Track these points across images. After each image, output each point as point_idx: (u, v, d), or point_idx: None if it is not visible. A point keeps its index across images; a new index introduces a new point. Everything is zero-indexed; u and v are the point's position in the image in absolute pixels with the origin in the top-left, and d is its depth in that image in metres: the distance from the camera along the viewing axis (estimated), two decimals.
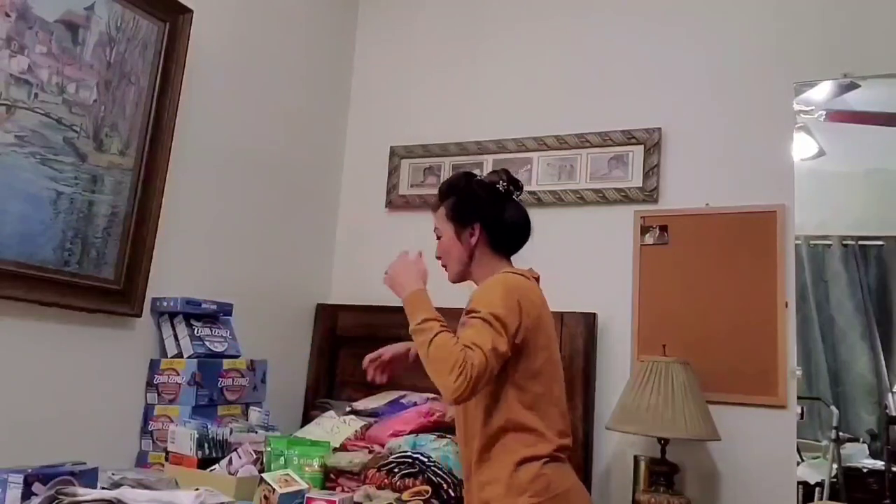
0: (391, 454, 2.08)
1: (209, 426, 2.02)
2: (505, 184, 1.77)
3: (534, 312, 1.61)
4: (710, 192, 2.49)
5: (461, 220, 1.75)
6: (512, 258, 1.79)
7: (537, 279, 1.77)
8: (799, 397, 2.33)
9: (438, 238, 1.79)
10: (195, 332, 2.24)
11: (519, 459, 1.55)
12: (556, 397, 1.65)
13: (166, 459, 2.01)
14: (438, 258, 1.79)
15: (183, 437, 1.99)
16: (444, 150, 2.94)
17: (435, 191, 2.91)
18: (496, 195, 1.76)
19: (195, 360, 2.17)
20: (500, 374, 1.54)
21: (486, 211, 1.74)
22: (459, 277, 1.78)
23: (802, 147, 2.62)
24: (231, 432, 2.06)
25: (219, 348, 2.28)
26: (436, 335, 1.49)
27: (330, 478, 2.06)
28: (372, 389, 2.43)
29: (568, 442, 1.65)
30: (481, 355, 1.45)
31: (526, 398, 1.58)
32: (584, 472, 2.38)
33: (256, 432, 2.16)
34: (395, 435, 2.21)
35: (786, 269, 2.34)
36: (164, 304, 2.22)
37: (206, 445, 1.98)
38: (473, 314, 1.54)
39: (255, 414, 2.26)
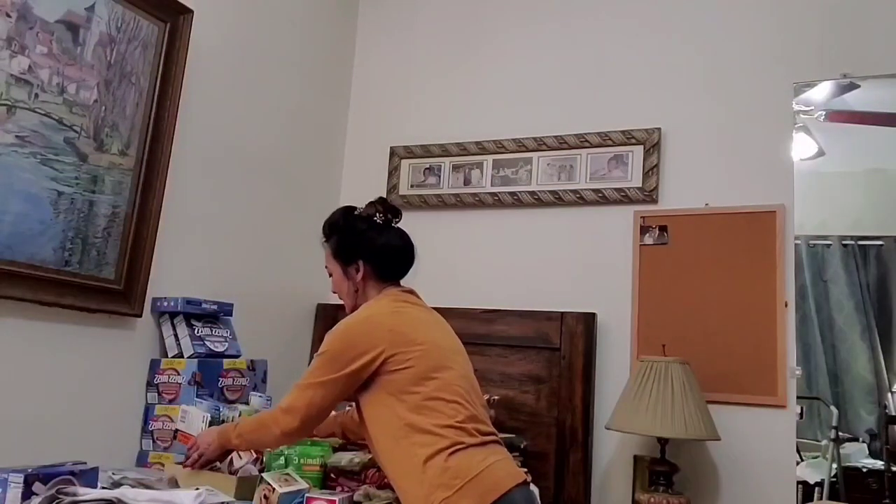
0: None
1: (221, 408, 2.05)
2: (382, 215, 1.83)
3: (382, 334, 1.66)
4: (710, 192, 2.49)
5: (345, 258, 1.83)
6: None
7: (410, 292, 1.83)
8: (799, 397, 2.33)
9: (330, 275, 1.88)
10: (195, 332, 2.24)
11: (422, 460, 1.57)
12: (451, 384, 1.64)
13: (174, 438, 2.06)
14: (335, 293, 1.89)
15: (194, 416, 2.02)
16: (444, 150, 2.95)
17: (435, 191, 2.97)
18: (375, 227, 1.83)
19: (195, 359, 2.17)
20: (373, 393, 1.65)
21: (367, 246, 1.81)
22: (353, 310, 1.82)
23: (802, 147, 2.62)
24: (240, 414, 2.07)
25: (219, 348, 2.29)
26: (240, 429, 1.75)
27: (330, 477, 2.06)
28: None
29: (476, 425, 1.64)
30: (289, 399, 1.67)
31: (409, 403, 1.61)
32: (584, 472, 2.39)
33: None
34: None
35: (785, 269, 2.34)
36: (165, 304, 2.22)
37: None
38: (316, 353, 1.71)
39: (256, 399, 2.25)
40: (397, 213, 1.86)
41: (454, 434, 1.59)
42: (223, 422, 2.00)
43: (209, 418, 1.99)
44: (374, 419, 1.66)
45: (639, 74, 2.69)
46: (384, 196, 1.88)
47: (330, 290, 1.89)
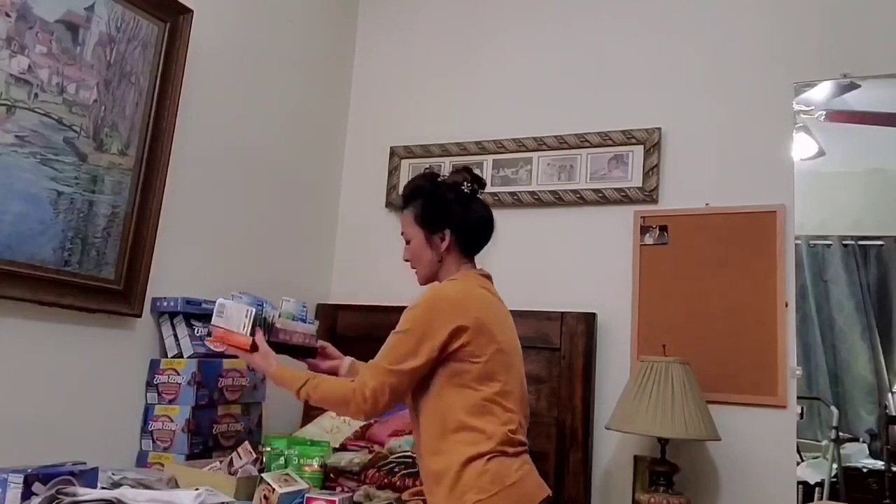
0: (391, 454, 2.08)
1: (264, 304, 1.84)
2: (469, 184, 1.75)
3: (471, 315, 1.61)
4: (710, 192, 2.49)
5: (431, 225, 1.75)
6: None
7: (488, 277, 1.78)
8: (799, 397, 2.33)
9: (407, 242, 1.79)
10: (195, 331, 2.24)
11: (465, 459, 1.55)
12: (509, 392, 1.63)
13: (209, 335, 2.03)
14: (407, 261, 1.80)
15: (237, 312, 1.79)
16: (444, 150, 2.94)
17: None
18: (462, 197, 1.75)
19: (195, 359, 2.17)
20: (436, 379, 1.61)
21: (455, 215, 1.74)
22: (428, 281, 1.78)
23: (802, 147, 2.63)
24: (279, 315, 1.87)
25: (219, 348, 2.28)
26: (315, 387, 1.66)
27: (330, 477, 2.06)
28: None
29: (520, 436, 1.64)
30: (373, 382, 1.58)
31: (469, 400, 1.59)
32: (584, 472, 2.39)
33: (298, 319, 1.95)
34: (395, 434, 2.21)
35: (786, 269, 2.34)
36: (164, 304, 2.22)
37: (255, 326, 1.79)
38: (394, 330, 1.64)
39: (290, 304, 1.96)
40: (482, 184, 1.79)
41: (501, 441, 1.59)
42: (265, 319, 1.81)
43: (253, 313, 1.77)
44: (429, 406, 1.62)
45: (639, 74, 2.69)
46: (468, 167, 1.79)
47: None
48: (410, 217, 1.77)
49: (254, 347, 1.75)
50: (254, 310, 1.76)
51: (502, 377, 1.62)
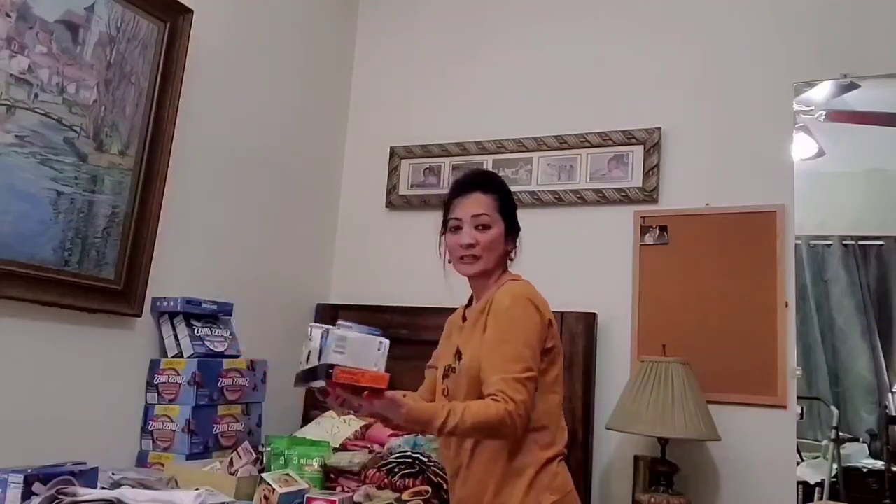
0: (391, 454, 2.08)
1: (377, 332, 1.47)
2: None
3: (551, 321, 1.61)
4: (710, 192, 2.49)
5: (512, 222, 1.70)
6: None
7: None
8: (799, 397, 2.33)
9: (484, 227, 1.63)
10: (195, 331, 2.24)
11: (543, 460, 1.55)
12: (564, 397, 1.67)
13: (322, 381, 1.36)
14: (472, 245, 1.62)
15: (363, 345, 1.41)
16: (444, 150, 2.94)
17: (435, 191, 2.96)
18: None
19: (195, 360, 2.17)
20: None
21: (517, 225, 1.74)
22: (479, 275, 1.67)
23: (802, 147, 2.62)
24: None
25: (219, 348, 2.28)
26: (462, 416, 1.41)
27: (330, 478, 2.06)
28: None
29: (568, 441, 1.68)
30: (520, 395, 1.45)
31: (547, 402, 1.58)
32: (584, 472, 2.39)
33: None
34: (395, 435, 2.21)
35: (786, 269, 2.34)
36: (164, 304, 2.22)
37: None
38: (499, 336, 1.52)
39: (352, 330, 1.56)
40: None
41: (564, 445, 1.62)
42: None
43: (387, 345, 1.42)
44: None
45: (639, 74, 2.69)
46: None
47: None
48: (496, 204, 1.67)
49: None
50: (387, 341, 1.43)
51: (562, 385, 1.64)
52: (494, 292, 1.62)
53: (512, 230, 1.69)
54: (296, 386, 1.48)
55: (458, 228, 1.65)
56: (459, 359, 1.62)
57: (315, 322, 1.49)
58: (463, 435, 1.50)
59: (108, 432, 2.07)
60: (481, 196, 1.66)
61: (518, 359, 1.49)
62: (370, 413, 1.41)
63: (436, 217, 3.12)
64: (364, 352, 1.37)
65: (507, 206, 1.69)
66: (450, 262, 1.71)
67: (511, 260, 1.72)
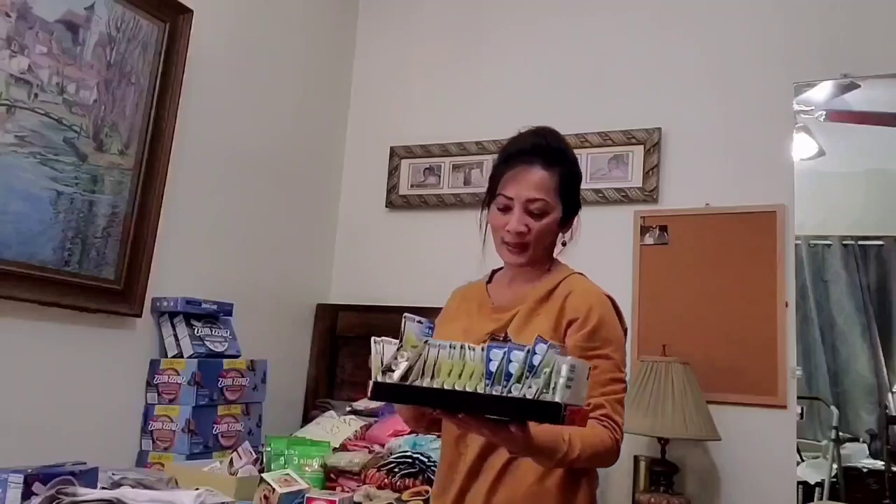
0: (391, 454, 2.08)
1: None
2: None
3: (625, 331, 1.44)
4: (710, 192, 2.49)
5: (571, 205, 1.42)
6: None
7: None
8: (799, 397, 2.33)
9: (540, 213, 1.37)
10: (195, 331, 2.24)
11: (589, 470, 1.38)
12: None
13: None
14: (522, 232, 1.37)
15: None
16: (444, 150, 2.94)
17: (435, 191, 2.97)
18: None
19: (195, 360, 2.17)
20: None
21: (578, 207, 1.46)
22: (522, 265, 1.43)
23: (802, 147, 2.62)
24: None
25: (219, 348, 2.29)
26: (581, 448, 1.21)
27: (330, 478, 2.06)
28: None
29: None
30: (619, 413, 1.30)
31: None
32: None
33: None
34: (395, 435, 2.21)
35: (786, 269, 2.34)
36: (164, 304, 2.22)
37: None
38: (603, 351, 1.29)
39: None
40: None
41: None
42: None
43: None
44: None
45: (639, 74, 2.68)
46: None
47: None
48: (558, 184, 1.39)
49: None
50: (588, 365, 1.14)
51: None
52: (562, 282, 1.41)
53: (570, 211, 1.43)
54: (397, 402, 1.29)
55: (507, 209, 1.38)
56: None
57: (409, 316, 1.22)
58: (572, 465, 1.26)
59: (108, 432, 2.07)
60: (543, 174, 1.37)
61: (618, 378, 1.32)
62: (518, 440, 1.10)
63: (436, 217, 3.12)
64: (581, 379, 1.04)
65: (570, 184, 1.42)
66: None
67: (564, 245, 1.48)
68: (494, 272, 1.56)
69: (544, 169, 1.38)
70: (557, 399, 0.98)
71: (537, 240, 1.39)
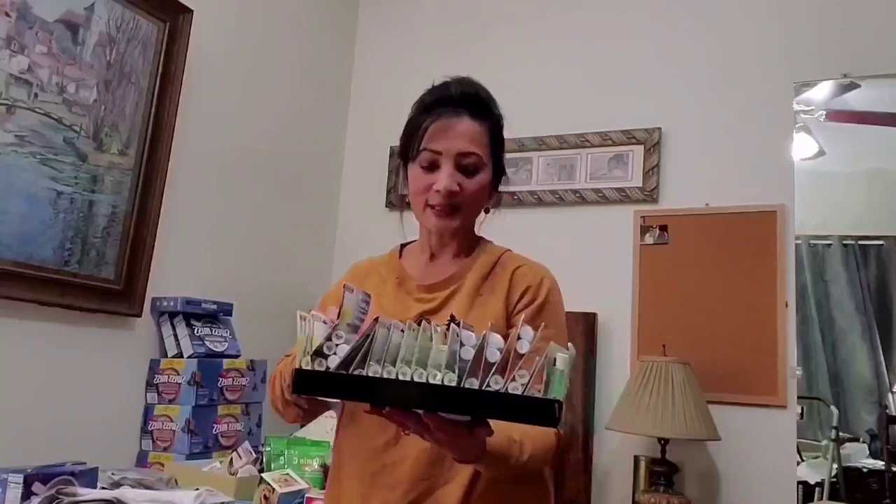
0: None
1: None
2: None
3: None
4: (710, 192, 2.49)
5: (499, 163, 1.28)
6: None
7: None
8: (799, 397, 2.33)
9: (472, 169, 1.22)
10: (195, 331, 2.24)
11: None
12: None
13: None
14: (454, 192, 1.21)
15: None
16: None
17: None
18: None
19: (195, 359, 2.17)
20: None
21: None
22: (452, 232, 1.27)
23: (803, 147, 2.62)
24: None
25: (219, 348, 2.29)
26: (529, 450, 1.06)
27: None
28: None
29: None
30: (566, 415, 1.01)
31: None
32: (585, 472, 2.39)
33: None
34: None
35: (786, 269, 2.34)
36: (164, 304, 2.22)
37: None
38: (550, 331, 1.05)
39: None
40: None
41: None
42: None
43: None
44: None
45: (639, 74, 2.68)
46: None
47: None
48: (488, 138, 1.25)
49: None
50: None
51: None
52: (502, 257, 1.28)
53: (500, 171, 1.30)
54: (323, 397, 1.09)
55: (434, 165, 1.23)
56: None
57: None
58: (518, 471, 1.08)
59: (108, 432, 2.07)
60: (473, 125, 1.23)
61: None
62: (441, 442, 0.94)
63: None
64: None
65: (499, 141, 1.28)
66: (408, 203, 1.31)
67: (486, 213, 1.32)
68: (403, 246, 1.39)
69: (473, 120, 1.23)
70: (555, 395, 0.84)
71: (470, 200, 1.23)
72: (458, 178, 1.21)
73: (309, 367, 0.91)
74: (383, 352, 0.87)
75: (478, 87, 1.29)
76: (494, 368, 0.85)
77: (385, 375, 0.87)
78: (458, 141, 1.21)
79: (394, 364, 0.87)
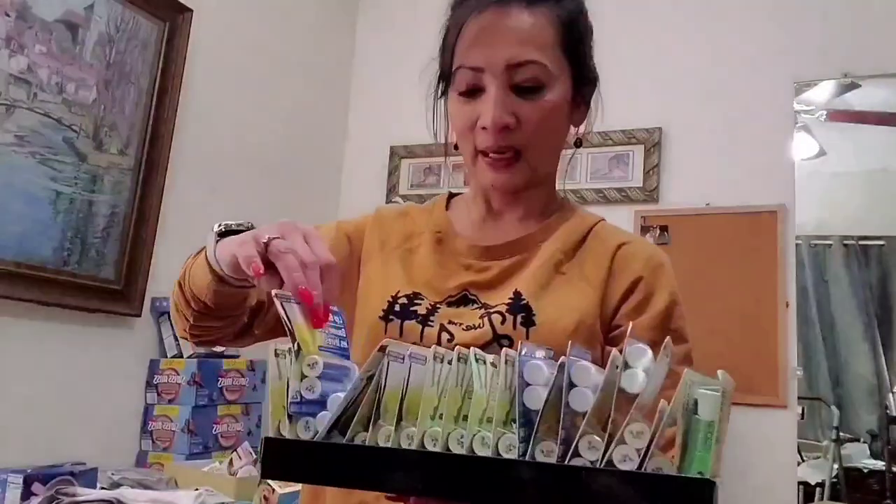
0: None
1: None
2: None
3: None
4: (711, 192, 2.48)
5: (583, 68, 0.94)
6: None
7: None
8: (799, 397, 2.33)
9: (534, 87, 0.84)
10: None
11: None
12: None
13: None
14: (505, 129, 0.83)
15: None
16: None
17: (435, 191, 2.96)
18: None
19: (195, 359, 2.17)
20: None
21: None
22: (516, 190, 0.90)
23: (803, 147, 2.62)
24: None
25: (218, 348, 2.28)
26: None
27: None
28: None
29: None
30: None
31: None
32: None
33: None
34: None
35: (786, 269, 2.34)
36: (164, 304, 2.22)
37: None
38: (679, 337, 0.79)
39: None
40: None
41: None
42: None
43: None
44: None
45: (639, 74, 2.68)
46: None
47: None
48: (548, 29, 0.85)
49: None
50: None
51: None
52: (596, 227, 0.93)
53: (585, 85, 0.95)
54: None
55: (476, 90, 0.85)
56: (517, 313, 0.81)
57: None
58: None
59: (107, 432, 2.07)
60: (526, 17, 0.83)
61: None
62: None
63: None
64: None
65: (578, 33, 0.92)
66: (456, 150, 0.93)
67: (578, 146, 0.99)
68: (451, 196, 1.00)
69: (528, 9, 0.83)
70: (699, 469, 0.50)
71: (537, 135, 0.84)
72: (513, 103, 0.82)
73: (285, 435, 0.56)
74: (399, 403, 0.55)
75: None
76: (585, 421, 0.50)
77: (405, 445, 0.54)
78: (505, 46, 0.81)
79: (414, 422, 0.54)
